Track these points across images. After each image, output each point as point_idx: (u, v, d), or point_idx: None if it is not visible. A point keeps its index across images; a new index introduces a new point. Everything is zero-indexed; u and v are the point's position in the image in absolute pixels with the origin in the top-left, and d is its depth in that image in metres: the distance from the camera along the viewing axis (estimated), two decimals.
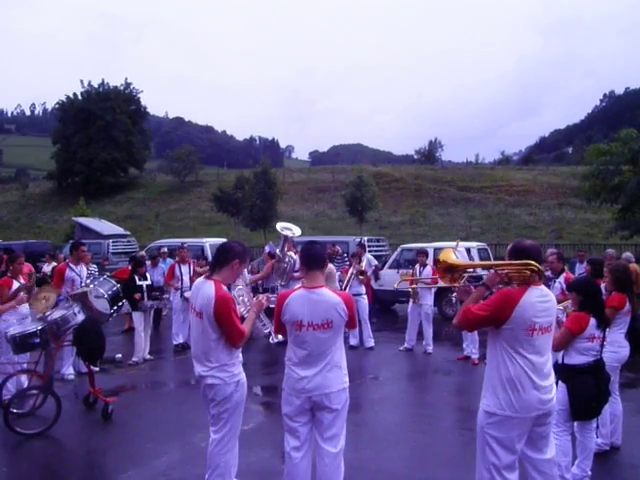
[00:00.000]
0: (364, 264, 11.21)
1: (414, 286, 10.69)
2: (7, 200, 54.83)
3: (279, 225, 6.79)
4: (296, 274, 9.80)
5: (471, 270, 4.15)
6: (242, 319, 4.31)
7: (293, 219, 32.79)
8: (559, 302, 6.80)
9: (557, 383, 4.85)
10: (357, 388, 8.48)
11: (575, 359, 4.78)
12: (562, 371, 4.84)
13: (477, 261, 13.06)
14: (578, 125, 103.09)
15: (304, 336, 3.94)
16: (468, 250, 13.93)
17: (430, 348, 10.59)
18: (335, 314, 3.93)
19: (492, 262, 4.06)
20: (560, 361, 4.88)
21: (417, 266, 10.99)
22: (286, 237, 6.41)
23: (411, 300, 10.92)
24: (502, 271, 3.69)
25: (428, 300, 10.79)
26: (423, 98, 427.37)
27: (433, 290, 10.95)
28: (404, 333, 11.04)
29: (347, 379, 4.08)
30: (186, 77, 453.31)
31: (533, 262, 3.57)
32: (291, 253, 7.44)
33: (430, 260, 14.21)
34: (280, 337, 4.53)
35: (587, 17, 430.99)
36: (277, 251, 7.01)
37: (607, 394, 4.85)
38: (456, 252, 4.08)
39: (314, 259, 4.08)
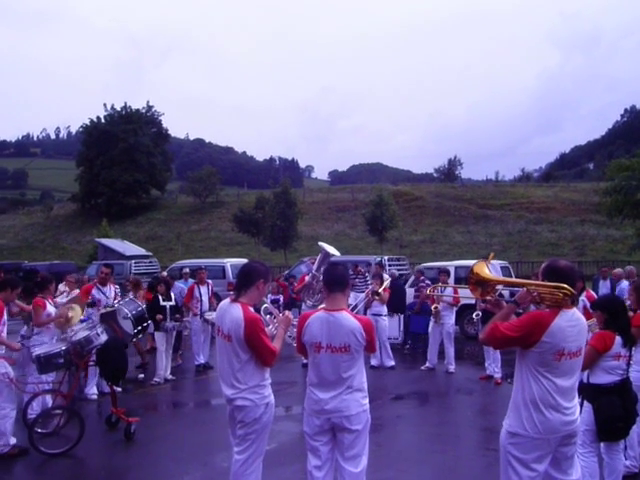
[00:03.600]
0: (385, 285, 11.11)
1: (436, 305, 10.65)
2: (32, 222, 55.74)
3: (321, 243, 6.80)
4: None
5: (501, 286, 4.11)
6: (272, 337, 4.33)
7: (313, 239, 32.94)
8: None
9: (582, 403, 4.78)
10: (379, 408, 8.43)
11: (601, 378, 4.71)
12: (587, 390, 4.76)
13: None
14: (599, 141, 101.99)
15: (322, 358, 3.96)
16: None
17: (452, 367, 10.50)
18: (353, 338, 3.93)
19: (525, 281, 3.95)
20: (585, 380, 4.80)
21: (439, 285, 10.95)
22: (325, 255, 6.40)
23: (432, 319, 10.86)
24: (534, 291, 3.63)
25: (450, 319, 10.75)
26: (442, 116, 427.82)
27: (454, 309, 10.91)
28: (425, 352, 10.97)
29: (367, 401, 4.07)
30: (206, 99, 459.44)
31: (566, 286, 3.49)
32: None
33: (451, 279, 14.18)
34: None
35: (607, 31, 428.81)
36: (313, 270, 6.98)
37: (634, 414, 4.75)
38: (489, 265, 4.03)
39: (336, 281, 4.09)
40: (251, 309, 4.16)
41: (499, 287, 4.12)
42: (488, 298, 3.91)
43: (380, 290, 10.84)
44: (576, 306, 3.70)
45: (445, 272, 11.22)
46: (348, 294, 4.19)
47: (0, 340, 6.27)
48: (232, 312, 4.14)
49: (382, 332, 10.92)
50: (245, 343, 4.06)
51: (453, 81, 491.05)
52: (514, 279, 4.26)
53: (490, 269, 3.97)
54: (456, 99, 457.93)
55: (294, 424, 7.69)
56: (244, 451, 4.15)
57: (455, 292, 10.63)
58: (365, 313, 11.20)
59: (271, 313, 4.60)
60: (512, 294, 4.03)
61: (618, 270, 13.38)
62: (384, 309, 11.11)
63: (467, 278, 4.04)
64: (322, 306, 4.23)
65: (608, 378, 4.69)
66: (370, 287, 11.02)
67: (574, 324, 3.56)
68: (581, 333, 3.62)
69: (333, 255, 6.75)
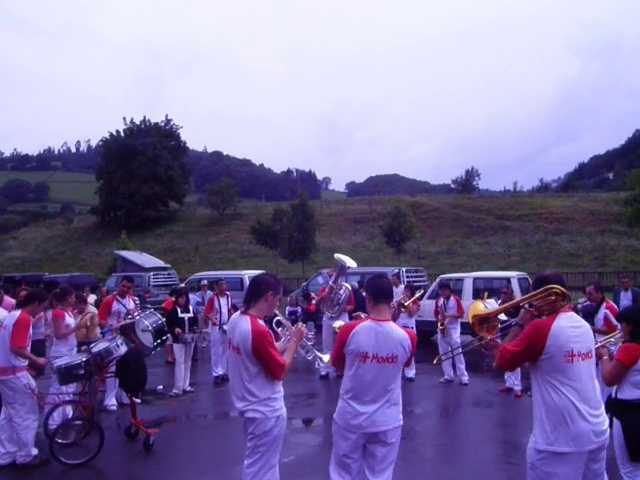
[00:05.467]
0: (415, 297, 11.12)
1: (443, 322, 10.75)
2: (53, 234, 56.47)
3: (336, 255, 6.85)
4: (349, 307, 9.89)
5: (503, 317, 4.13)
6: (284, 350, 4.32)
7: (331, 250, 32.87)
8: (605, 333, 6.65)
9: (612, 419, 4.67)
10: None
11: (628, 393, 4.55)
12: (615, 406, 4.62)
13: (517, 292, 12.88)
14: (618, 150, 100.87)
15: (367, 368, 3.91)
16: (508, 280, 13.76)
17: (465, 379, 10.46)
18: (401, 349, 3.93)
19: (517, 299, 4.04)
20: (613, 396, 4.68)
21: (442, 299, 11.03)
22: (342, 267, 6.44)
23: (439, 334, 10.94)
24: (530, 305, 3.68)
25: (456, 332, 10.89)
26: (459, 127, 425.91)
27: (459, 321, 11.00)
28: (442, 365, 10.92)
29: (401, 416, 4.05)
30: (224, 112, 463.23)
31: (554, 285, 3.56)
32: (347, 285, 7.46)
33: (469, 290, 14.13)
34: (323, 365, 4.51)
35: (627, 39, 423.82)
36: (330, 282, 7.02)
37: None
38: (485, 303, 4.08)
39: (382, 292, 4.09)
40: (260, 322, 4.16)
41: (503, 317, 4.14)
42: (487, 339, 3.93)
43: (409, 302, 10.89)
44: (576, 310, 3.72)
45: (446, 286, 11.36)
46: (392, 305, 4.20)
47: (26, 355, 6.36)
48: (241, 324, 4.15)
49: None
50: (253, 356, 4.06)
51: (470, 91, 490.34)
52: (509, 302, 4.27)
53: (487, 306, 4.02)
54: (473, 109, 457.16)
55: (313, 436, 7.69)
56: (254, 464, 4.11)
57: (458, 303, 10.93)
58: None
59: (284, 326, 4.60)
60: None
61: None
62: (411, 321, 11.11)
63: (470, 326, 4.09)
64: (345, 317, 4.25)
65: (637, 393, 4.54)
66: (400, 300, 11.03)
67: (576, 325, 3.58)
68: (586, 334, 3.63)
69: (350, 267, 6.77)
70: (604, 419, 3.56)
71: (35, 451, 6.35)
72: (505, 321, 4.09)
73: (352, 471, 3.97)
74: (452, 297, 11.06)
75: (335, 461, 4.05)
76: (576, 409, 3.43)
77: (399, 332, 3.97)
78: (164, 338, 7.99)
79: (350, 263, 6.83)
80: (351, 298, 10.01)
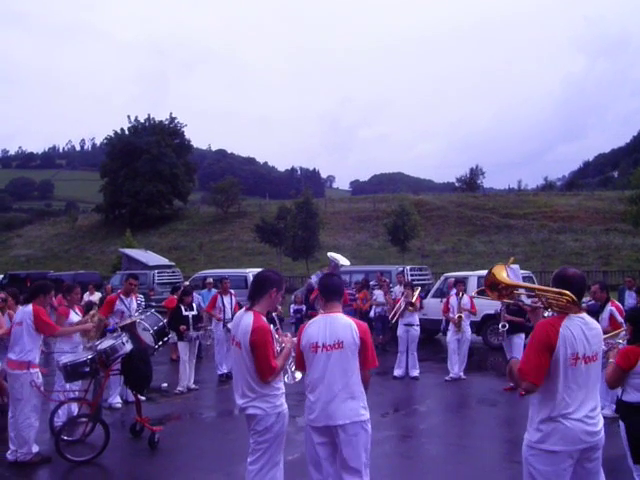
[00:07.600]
0: (416, 294, 11.17)
1: (461, 315, 10.78)
2: (57, 232, 56.59)
3: (330, 254, 6.87)
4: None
5: (518, 290, 4.03)
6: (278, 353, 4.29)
7: (335, 248, 32.87)
8: (607, 332, 6.63)
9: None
10: (403, 419, 8.40)
11: (632, 396, 4.52)
12: (621, 408, 4.62)
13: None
14: (624, 148, 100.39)
15: (318, 358, 4.03)
16: None
17: (462, 374, 10.73)
18: (347, 335, 4.01)
19: (535, 285, 3.98)
20: (619, 397, 4.67)
21: (457, 294, 11.14)
22: (335, 265, 6.46)
23: (450, 330, 10.97)
24: (542, 296, 3.63)
25: (468, 327, 11.04)
26: (464, 124, 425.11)
27: (471, 318, 11.21)
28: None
29: (365, 412, 4.04)
30: (228, 110, 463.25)
31: (568, 292, 3.45)
32: None
33: (474, 288, 14.09)
34: (292, 381, 4.50)
35: (635, 35, 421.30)
36: None
37: None
38: (508, 269, 3.99)
39: (333, 291, 4.25)
40: (263, 318, 4.19)
41: (518, 291, 4.05)
42: (507, 301, 3.91)
43: (415, 299, 10.95)
44: (584, 311, 3.69)
45: (461, 282, 11.50)
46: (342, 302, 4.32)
47: (68, 330, 6.93)
48: (244, 320, 4.19)
49: (413, 341, 10.98)
50: (250, 351, 4.08)
51: (475, 89, 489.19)
52: (524, 283, 4.21)
53: (509, 272, 3.94)
54: (478, 107, 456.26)
55: None
56: (257, 461, 4.12)
57: (472, 301, 11.09)
58: (397, 322, 11.29)
59: (275, 325, 4.61)
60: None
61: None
62: (416, 319, 11.15)
63: (484, 279, 4.01)
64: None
65: (638, 396, 4.51)
66: (406, 299, 11.04)
67: (585, 328, 3.47)
68: (596, 337, 3.52)
69: (342, 265, 6.77)
70: (599, 420, 3.51)
71: (36, 448, 6.37)
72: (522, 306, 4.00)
73: (322, 470, 3.99)
74: (466, 295, 11.22)
75: (308, 460, 4.11)
76: (570, 409, 3.39)
77: (346, 320, 4.11)
78: (165, 339, 7.99)
79: (343, 261, 6.84)
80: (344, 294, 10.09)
